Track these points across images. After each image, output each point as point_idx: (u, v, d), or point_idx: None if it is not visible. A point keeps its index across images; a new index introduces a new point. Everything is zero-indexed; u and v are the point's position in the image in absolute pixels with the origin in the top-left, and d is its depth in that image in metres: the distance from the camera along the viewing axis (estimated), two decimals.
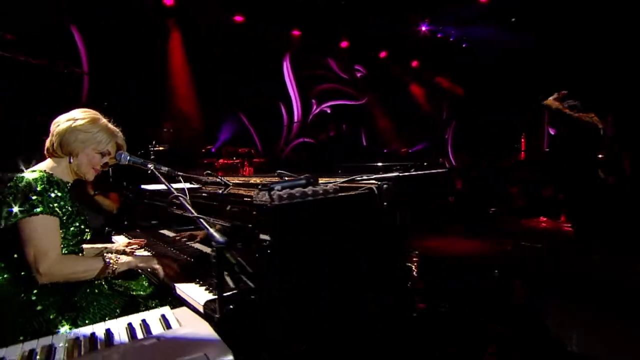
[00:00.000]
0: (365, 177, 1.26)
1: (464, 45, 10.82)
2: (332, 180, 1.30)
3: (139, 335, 0.75)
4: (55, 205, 1.14)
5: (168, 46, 6.84)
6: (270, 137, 8.17)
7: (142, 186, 1.92)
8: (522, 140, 6.17)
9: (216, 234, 0.77)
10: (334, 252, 1.02)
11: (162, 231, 1.78)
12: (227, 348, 0.64)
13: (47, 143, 1.28)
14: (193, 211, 0.92)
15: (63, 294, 1.13)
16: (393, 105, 10.26)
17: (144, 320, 0.81)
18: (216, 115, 7.04)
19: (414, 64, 11.29)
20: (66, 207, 1.18)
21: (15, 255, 1.11)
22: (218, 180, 1.75)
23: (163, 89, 6.56)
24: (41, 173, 1.16)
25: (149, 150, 2.79)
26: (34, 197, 1.09)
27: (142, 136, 3.63)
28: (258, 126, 7.82)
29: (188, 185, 1.98)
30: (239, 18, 7.83)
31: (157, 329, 0.77)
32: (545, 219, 5.68)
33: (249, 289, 0.75)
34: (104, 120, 1.36)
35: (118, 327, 0.79)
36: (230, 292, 0.79)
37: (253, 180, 2.06)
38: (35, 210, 1.08)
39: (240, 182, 1.90)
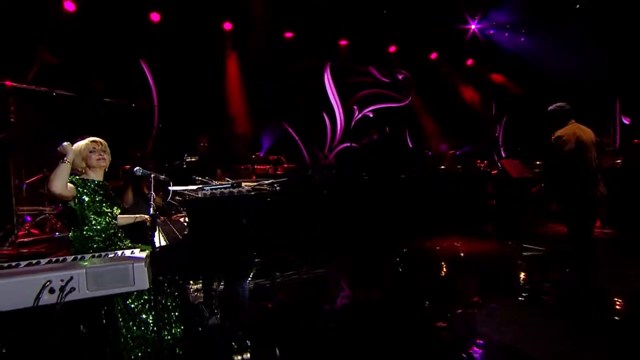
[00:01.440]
0: (264, 182, 2.02)
1: (522, 39, 10.46)
2: (253, 183, 2.09)
3: (117, 255, 1.66)
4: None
5: (225, 66, 8.20)
6: (316, 143, 9.10)
7: (168, 187, 2.93)
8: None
9: (151, 210, 1.63)
10: (231, 227, 1.82)
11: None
12: (143, 260, 1.49)
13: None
14: (152, 201, 1.81)
15: (103, 246, 2.10)
16: (441, 106, 10.35)
17: (123, 252, 1.71)
18: (265, 125, 8.21)
19: (469, 62, 11.19)
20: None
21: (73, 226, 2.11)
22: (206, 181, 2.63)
23: (220, 104, 7.93)
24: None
25: (183, 160, 3.86)
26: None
27: (191, 147, 4.86)
28: (303, 134, 8.80)
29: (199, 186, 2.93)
30: (288, 34, 8.94)
31: (126, 254, 1.66)
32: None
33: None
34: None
35: (112, 253, 1.71)
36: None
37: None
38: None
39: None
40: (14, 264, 1.58)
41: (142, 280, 1.45)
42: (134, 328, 2.05)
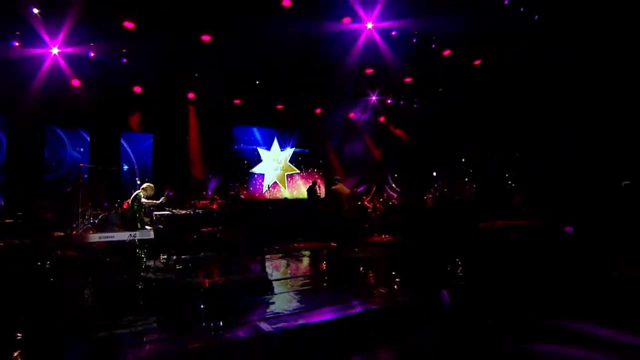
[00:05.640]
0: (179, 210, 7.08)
1: (414, 106, 16.27)
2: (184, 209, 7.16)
3: (147, 229, 6.62)
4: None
5: (188, 126, 13.30)
6: (253, 185, 14.24)
7: (153, 212, 7.87)
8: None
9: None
10: (170, 224, 6.87)
11: None
12: (152, 230, 6.41)
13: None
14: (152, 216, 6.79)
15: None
16: (347, 152, 15.86)
17: (147, 228, 6.65)
18: (212, 173, 13.25)
19: (381, 119, 16.86)
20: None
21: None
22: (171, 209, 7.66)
23: (184, 157, 12.95)
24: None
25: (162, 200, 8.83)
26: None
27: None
28: (243, 179, 13.90)
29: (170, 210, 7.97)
30: (237, 101, 14.22)
31: (148, 229, 6.58)
32: (388, 236, 10.78)
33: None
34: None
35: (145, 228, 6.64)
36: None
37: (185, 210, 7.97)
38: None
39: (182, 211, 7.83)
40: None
41: (151, 235, 6.37)
42: (141, 261, 6.97)
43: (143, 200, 6.79)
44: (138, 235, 6.34)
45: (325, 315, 4.40)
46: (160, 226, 7.11)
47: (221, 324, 4.08)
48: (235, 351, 3.73)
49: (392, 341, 4.23)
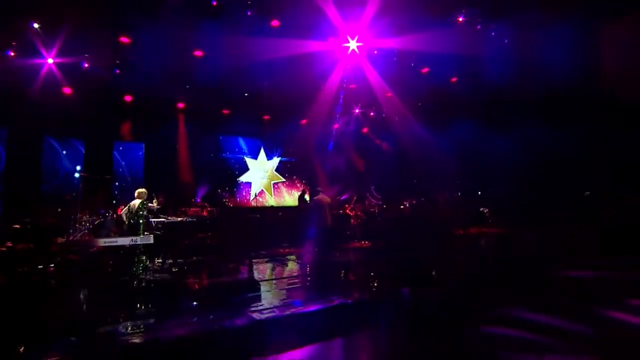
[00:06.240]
0: (175, 217, 7.80)
1: (395, 119, 17.26)
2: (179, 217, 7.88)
3: (146, 234, 7.31)
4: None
5: (178, 135, 13.97)
6: (240, 193, 14.99)
7: (151, 219, 8.56)
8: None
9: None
10: (166, 231, 7.57)
11: None
12: (152, 236, 7.10)
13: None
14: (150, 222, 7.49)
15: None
16: (327, 161, 16.79)
17: (147, 234, 7.34)
18: (201, 180, 13.95)
19: (364, 130, 17.84)
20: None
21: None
22: (166, 217, 8.38)
23: (175, 165, 13.61)
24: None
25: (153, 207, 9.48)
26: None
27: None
28: (231, 187, 14.64)
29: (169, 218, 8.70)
30: (226, 111, 14.97)
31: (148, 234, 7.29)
32: (368, 242, 11.67)
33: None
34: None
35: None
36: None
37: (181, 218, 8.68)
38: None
39: (178, 218, 8.54)
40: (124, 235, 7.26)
41: (151, 240, 7.08)
42: (141, 262, 7.67)
43: (150, 205, 7.52)
44: (139, 240, 7.02)
45: (308, 307, 5.21)
46: (158, 232, 7.80)
47: (217, 316, 4.84)
48: (231, 337, 4.51)
49: (367, 328, 5.08)
